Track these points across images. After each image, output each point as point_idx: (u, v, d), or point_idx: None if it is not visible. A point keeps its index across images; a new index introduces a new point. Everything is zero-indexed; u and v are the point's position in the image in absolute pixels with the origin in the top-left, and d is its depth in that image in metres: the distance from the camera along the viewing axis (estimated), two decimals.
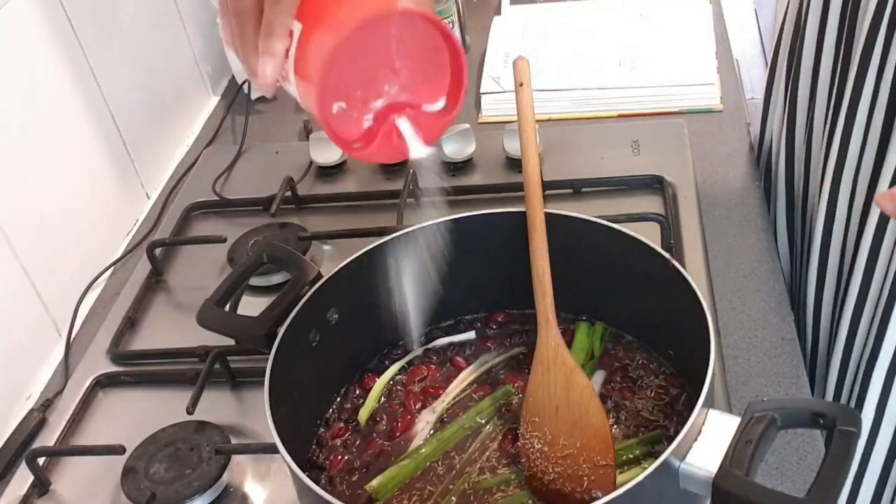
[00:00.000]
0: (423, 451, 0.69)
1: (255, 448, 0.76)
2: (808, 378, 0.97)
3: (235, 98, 1.27)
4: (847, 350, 0.94)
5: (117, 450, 0.75)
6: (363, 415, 0.73)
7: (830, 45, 0.91)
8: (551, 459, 0.66)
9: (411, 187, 1.01)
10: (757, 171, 1.05)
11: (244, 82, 1.26)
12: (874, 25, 0.80)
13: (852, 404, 0.93)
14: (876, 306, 0.87)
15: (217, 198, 1.09)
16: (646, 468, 0.54)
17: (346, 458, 0.70)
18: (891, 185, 0.85)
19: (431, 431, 0.71)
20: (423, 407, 0.73)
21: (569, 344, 0.74)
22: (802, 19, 0.93)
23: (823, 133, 0.92)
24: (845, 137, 0.87)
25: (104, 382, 0.87)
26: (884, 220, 0.85)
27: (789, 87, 0.99)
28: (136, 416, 0.83)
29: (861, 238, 0.87)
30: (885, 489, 0.99)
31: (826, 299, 0.97)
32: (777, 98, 1.04)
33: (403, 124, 0.58)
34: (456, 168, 1.07)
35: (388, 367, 0.77)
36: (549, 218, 0.71)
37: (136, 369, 0.88)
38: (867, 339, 0.89)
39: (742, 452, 0.55)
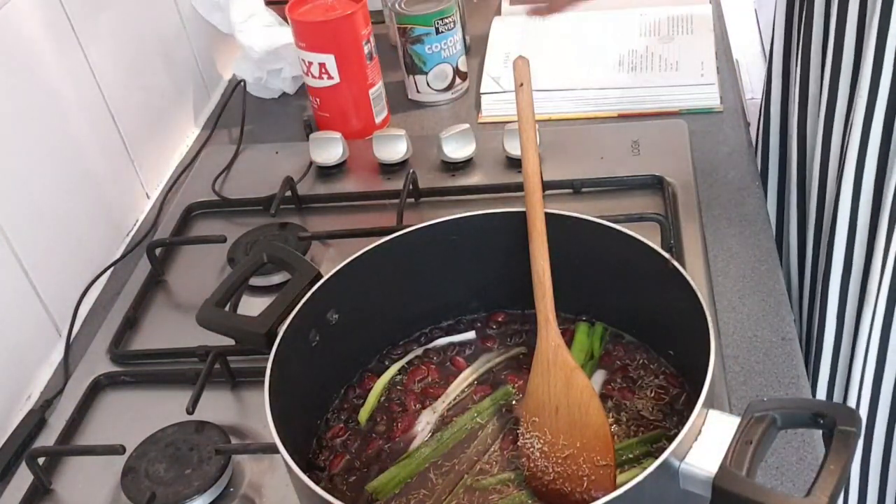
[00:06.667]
0: (423, 451, 0.69)
1: (255, 448, 0.76)
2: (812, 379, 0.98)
3: (231, 96, 1.27)
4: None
5: (117, 450, 0.75)
6: (363, 415, 0.73)
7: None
8: (551, 459, 0.66)
9: (411, 187, 1.01)
10: (757, 172, 1.05)
11: (241, 81, 1.26)
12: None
13: None
14: None
15: (217, 198, 1.09)
16: (646, 468, 0.54)
17: (346, 458, 0.70)
18: None
19: (431, 432, 0.71)
20: (423, 407, 0.73)
21: (569, 344, 0.74)
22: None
23: (846, 135, 0.94)
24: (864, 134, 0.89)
25: (104, 382, 0.87)
26: None
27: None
28: (136, 416, 0.83)
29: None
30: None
31: (852, 292, 0.99)
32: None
33: None
34: (456, 168, 1.07)
35: (388, 367, 0.76)
36: (549, 218, 0.71)
37: (136, 369, 0.88)
38: None
39: (742, 452, 0.55)
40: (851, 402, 1.03)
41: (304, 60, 1.12)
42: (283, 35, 1.21)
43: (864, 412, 1.04)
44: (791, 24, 1.05)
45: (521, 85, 0.73)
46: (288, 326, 0.68)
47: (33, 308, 0.91)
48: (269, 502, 0.74)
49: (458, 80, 1.22)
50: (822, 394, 1.08)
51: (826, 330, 1.03)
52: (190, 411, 0.77)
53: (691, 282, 0.65)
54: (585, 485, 0.64)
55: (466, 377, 0.75)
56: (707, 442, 0.57)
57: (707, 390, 0.58)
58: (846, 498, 1.12)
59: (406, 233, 0.74)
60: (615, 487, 0.59)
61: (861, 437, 1.01)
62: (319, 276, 0.71)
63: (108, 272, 1.02)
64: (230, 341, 0.72)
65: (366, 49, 1.12)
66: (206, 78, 1.29)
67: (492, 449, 0.69)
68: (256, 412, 0.79)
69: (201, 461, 0.75)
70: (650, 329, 0.74)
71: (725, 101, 1.15)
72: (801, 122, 1.03)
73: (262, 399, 0.62)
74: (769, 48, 1.10)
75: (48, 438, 0.82)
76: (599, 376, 0.73)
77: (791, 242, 1.11)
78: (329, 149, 1.09)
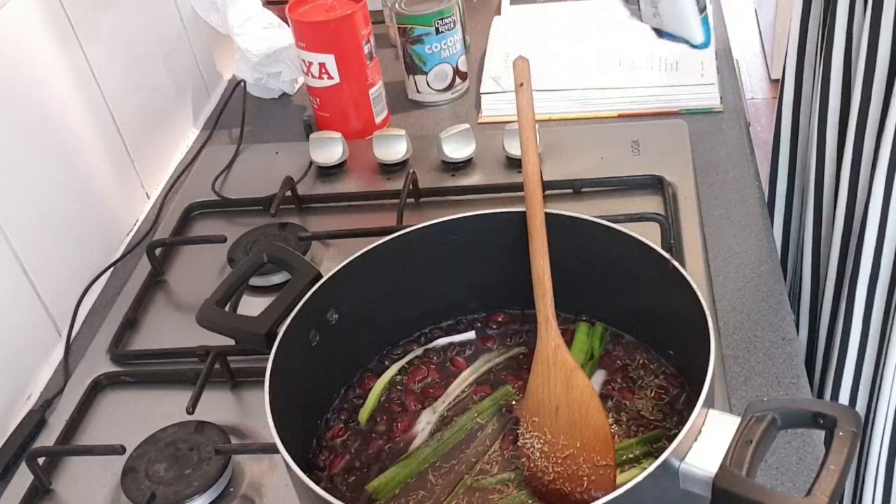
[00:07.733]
0: (423, 451, 0.69)
1: (255, 448, 0.76)
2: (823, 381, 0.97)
3: (231, 96, 1.27)
4: None
5: (117, 450, 0.76)
6: (363, 415, 0.73)
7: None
8: (551, 459, 0.66)
9: (411, 187, 1.01)
10: (757, 172, 1.05)
11: (241, 81, 1.26)
12: None
13: None
14: None
15: (217, 198, 1.09)
16: (646, 468, 0.54)
17: (346, 458, 0.70)
18: None
19: (431, 432, 0.71)
20: (423, 407, 0.73)
21: (569, 344, 0.74)
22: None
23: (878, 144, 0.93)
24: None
25: (104, 382, 0.87)
26: None
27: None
28: (136, 416, 0.83)
29: None
30: None
31: (879, 292, 0.98)
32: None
33: None
34: (456, 168, 1.07)
35: (388, 367, 0.76)
36: (549, 218, 0.71)
37: (136, 369, 0.88)
38: None
39: (742, 452, 0.55)
40: (881, 408, 1.02)
41: (304, 60, 1.12)
42: (281, 38, 1.21)
43: (891, 416, 1.03)
44: (806, 29, 1.04)
45: (521, 85, 0.73)
46: (288, 326, 0.68)
47: (33, 308, 0.91)
48: (269, 502, 0.74)
49: (458, 80, 1.22)
50: (845, 398, 1.07)
51: (851, 335, 1.02)
52: (190, 411, 0.77)
53: (691, 282, 0.65)
54: (585, 485, 0.64)
55: (466, 377, 0.75)
56: (707, 442, 0.57)
57: (707, 390, 0.58)
58: (860, 501, 1.11)
59: (406, 233, 0.74)
60: (615, 487, 0.59)
61: (888, 440, 1.01)
62: (319, 276, 0.71)
63: (108, 272, 1.02)
64: (230, 341, 0.72)
65: (366, 49, 1.12)
66: (206, 78, 1.29)
67: (492, 449, 0.69)
68: (256, 412, 0.79)
69: (201, 461, 0.75)
70: (650, 329, 0.74)
71: (725, 101, 1.15)
72: (821, 124, 1.02)
73: (262, 399, 0.62)
74: (784, 50, 1.10)
75: (48, 438, 0.82)
76: (599, 376, 0.73)
77: (805, 242, 1.10)
78: (329, 149, 1.09)
